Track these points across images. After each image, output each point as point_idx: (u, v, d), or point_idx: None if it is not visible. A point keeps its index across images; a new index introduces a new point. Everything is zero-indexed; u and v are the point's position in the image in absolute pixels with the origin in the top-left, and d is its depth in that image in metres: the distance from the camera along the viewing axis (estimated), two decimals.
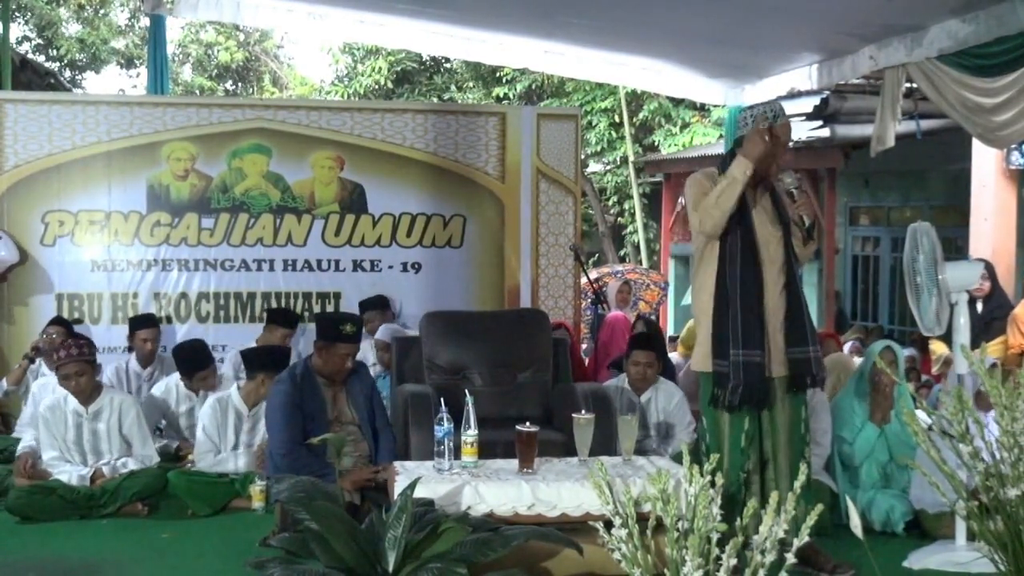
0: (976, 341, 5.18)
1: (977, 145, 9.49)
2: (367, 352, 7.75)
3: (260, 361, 6.42)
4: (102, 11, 22.62)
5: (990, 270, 7.76)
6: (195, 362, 6.92)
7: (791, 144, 5.00)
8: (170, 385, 7.05)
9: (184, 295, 8.13)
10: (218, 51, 24.41)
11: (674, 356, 8.86)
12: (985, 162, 9.87)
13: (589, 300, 10.36)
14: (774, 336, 4.86)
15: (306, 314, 8.18)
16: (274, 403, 5.58)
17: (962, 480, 3.57)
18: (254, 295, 8.22)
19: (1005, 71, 6.16)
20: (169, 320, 8.04)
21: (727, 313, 4.79)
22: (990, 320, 7.50)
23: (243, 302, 8.19)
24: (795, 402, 4.94)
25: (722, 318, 4.81)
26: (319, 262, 8.32)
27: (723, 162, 4.98)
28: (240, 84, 25.34)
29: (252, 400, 6.33)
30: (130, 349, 7.59)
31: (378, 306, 7.98)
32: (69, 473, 5.97)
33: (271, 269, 8.25)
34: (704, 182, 4.94)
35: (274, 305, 8.17)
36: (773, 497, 3.01)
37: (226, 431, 6.31)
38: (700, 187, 4.93)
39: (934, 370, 8.02)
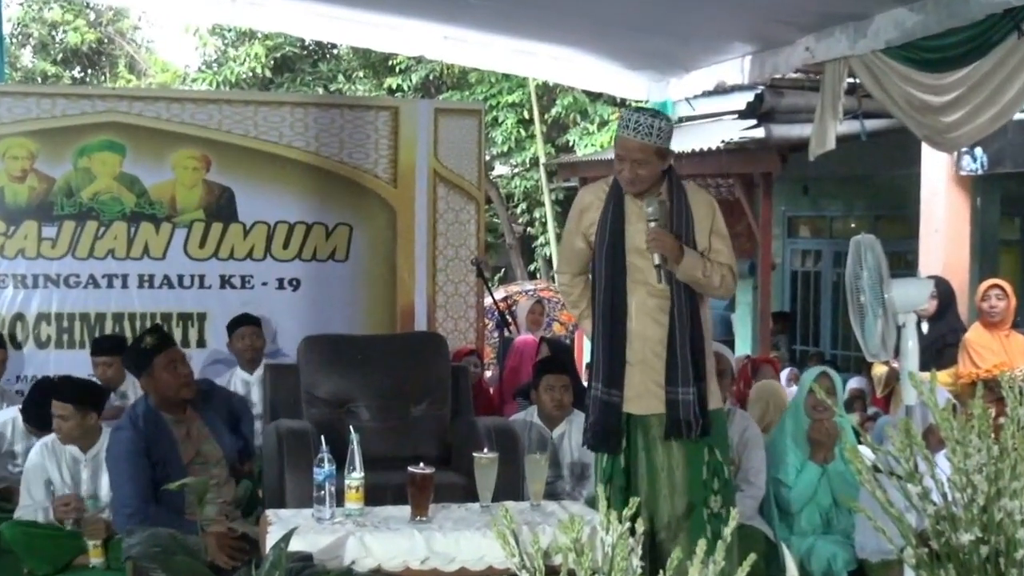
0: (926, 368, 5.28)
1: (927, 148, 9.70)
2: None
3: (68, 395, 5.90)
4: None
5: (943, 287, 7.84)
6: (46, 418, 6.66)
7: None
8: (6, 420, 6.87)
9: (20, 316, 7.96)
10: (65, 32, 23.99)
11: None
12: (936, 167, 10.07)
13: (495, 322, 10.39)
14: (639, 369, 4.80)
15: None
16: (114, 454, 5.41)
17: (910, 524, 3.63)
18: (104, 316, 8.07)
19: (956, 66, 6.30)
20: (2, 345, 7.83)
21: (596, 342, 4.84)
22: (943, 346, 7.60)
23: (91, 324, 8.03)
24: (689, 445, 4.78)
25: (594, 347, 4.86)
26: (181, 278, 8.21)
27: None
28: (91, 71, 24.95)
29: (85, 444, 5.91)
30: None
31: (251, 322, 7.80)
32: None
33: (124, 286, 8.11)
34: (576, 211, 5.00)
35: (127, 328, 8.02)
36: (700, 546, 3.03)
37: (62, 477, 6.04)
38: (573, 217, 5.02)
39: (878, 392, 8.14)
